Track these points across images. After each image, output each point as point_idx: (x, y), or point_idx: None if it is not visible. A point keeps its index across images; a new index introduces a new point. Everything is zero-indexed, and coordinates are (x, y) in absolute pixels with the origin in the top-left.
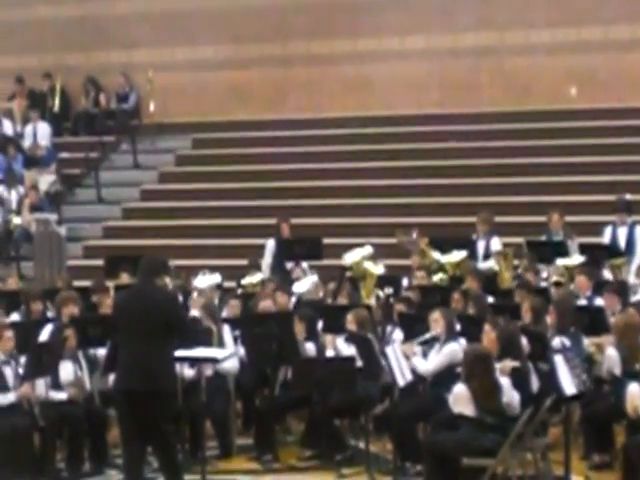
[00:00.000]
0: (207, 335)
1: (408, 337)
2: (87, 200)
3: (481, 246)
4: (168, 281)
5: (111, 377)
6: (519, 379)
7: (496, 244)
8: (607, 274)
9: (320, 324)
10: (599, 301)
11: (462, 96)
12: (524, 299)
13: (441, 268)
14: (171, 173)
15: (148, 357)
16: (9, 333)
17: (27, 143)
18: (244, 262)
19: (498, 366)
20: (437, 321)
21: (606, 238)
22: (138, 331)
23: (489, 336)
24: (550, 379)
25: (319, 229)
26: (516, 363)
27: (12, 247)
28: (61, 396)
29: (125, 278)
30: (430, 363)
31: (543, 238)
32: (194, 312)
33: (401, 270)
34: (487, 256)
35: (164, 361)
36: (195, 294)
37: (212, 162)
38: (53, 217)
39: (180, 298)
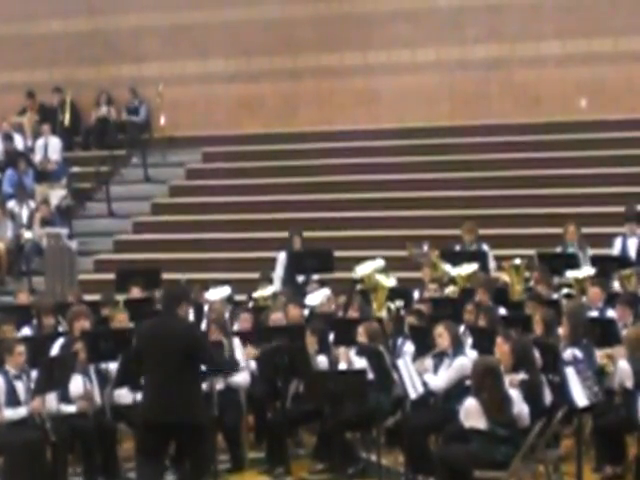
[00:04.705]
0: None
1: (419, 349)
2: (98, 214)
3: None
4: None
5: (122, 391)
6: (530, 391)
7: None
8: (617, 286)
9: (331, 337)
10: (611, 313)
11: (472, 108)
12: (535, 311)
13: (452, 281)
14: (181, 187)
15: (178, 389)
16: (21, 348)
17: (38, 157)
18: (256, 275)
19: (507, 378)
20: (441, 335)
21: (616, 249)
22: (163, 363)
23: (502, 348)
24: (562, 391)
25: (330, 242)
26: (524, 375)
27: (23, 261)
28: (70, 409)
29: (136, 292)
30: (441, 379)
31: (558, 250)
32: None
33: (412, 283)
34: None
35: (194, 392)
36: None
37: (222, 175)
38: (64, 231)
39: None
